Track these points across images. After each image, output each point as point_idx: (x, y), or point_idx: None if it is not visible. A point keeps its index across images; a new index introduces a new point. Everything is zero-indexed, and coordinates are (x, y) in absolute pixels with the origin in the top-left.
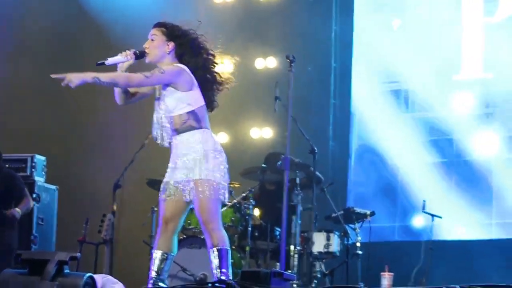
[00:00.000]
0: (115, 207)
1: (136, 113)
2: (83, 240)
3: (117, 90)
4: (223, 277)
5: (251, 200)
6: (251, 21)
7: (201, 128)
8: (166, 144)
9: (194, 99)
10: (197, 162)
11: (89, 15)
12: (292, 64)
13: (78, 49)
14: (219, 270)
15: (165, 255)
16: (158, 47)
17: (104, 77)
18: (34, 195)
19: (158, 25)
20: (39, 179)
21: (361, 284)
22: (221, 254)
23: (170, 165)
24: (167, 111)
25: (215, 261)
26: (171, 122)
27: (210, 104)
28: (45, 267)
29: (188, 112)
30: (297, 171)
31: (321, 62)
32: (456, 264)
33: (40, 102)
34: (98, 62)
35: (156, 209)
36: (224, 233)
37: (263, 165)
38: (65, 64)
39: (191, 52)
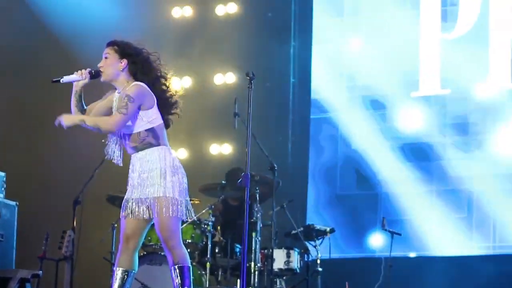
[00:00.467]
0: (75, 224)
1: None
2: (43, 257)
3: (73, 108)
4: None
5: (211, 217)
6: (210, 36)
7: (159, 145)
8: (120, 162)
9: (154, 117)
10: (155, 179)
11: (47, 28)
12: (252, 81)
13: (35, 62)
14: None
15: (126, 272)
16: (112, 65)
17: (89, 121)
18: None
19: (111, 43)
20: None
21: None
22: (182, 272)
23: (129, 182)
24: (126, 129)
25: (176, 279)
26: (129, 139)
27: (164, 122)
28: (7, 285)
29: (147, 130)
30: (257, 188)
31: (280, 78)
32: (415, 281)
33: None
34: (54, 80)
35: (116, 225)
36: (184, 250)
37: (223, 182)
38: (23, 77)
39: (143, 70)
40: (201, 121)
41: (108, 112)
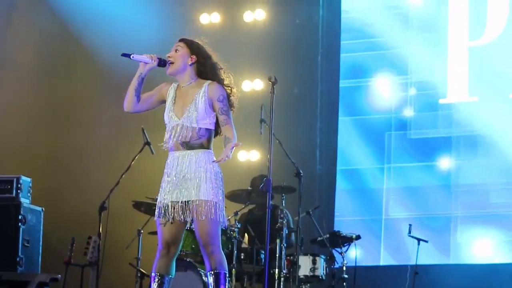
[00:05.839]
0: (100, 229)
1: (121, 134)
2: (68, 262)
3: (131, 91)
4: None
5: (237, 223)
6: (238, 42)
7: (209, 149)
8: (166, 148)
9: (215, 121)
10: (200, 182)
11: (74, 32)
12: (274, 86)
13: (62, 65)
14: None
15: (164, 278)
16: (181, 57)
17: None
18: (19, 217)
19: (183, 39)
20: (25, 201)
21: None
22: (219, 278)
23: (166, 183)
24: (191, 120)
25: (212, 284)
26: (185, 131)
27: (218, 129)
28: None
29: (207, 129)
30: (283, 195)
31: (308, 84)
32: None
33: (24, 120)
34: (124, 53)
35: (142, 231)
36: (223, 256)
37: (249, 188)
38: (50, 80)
39: (213, 71)
40: None
41: (154, 103)
